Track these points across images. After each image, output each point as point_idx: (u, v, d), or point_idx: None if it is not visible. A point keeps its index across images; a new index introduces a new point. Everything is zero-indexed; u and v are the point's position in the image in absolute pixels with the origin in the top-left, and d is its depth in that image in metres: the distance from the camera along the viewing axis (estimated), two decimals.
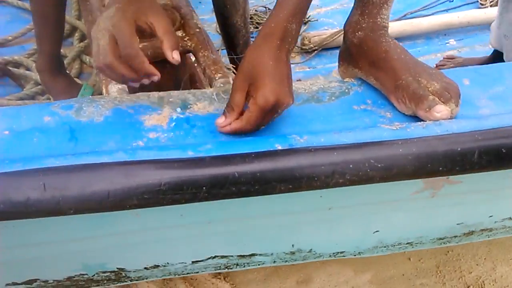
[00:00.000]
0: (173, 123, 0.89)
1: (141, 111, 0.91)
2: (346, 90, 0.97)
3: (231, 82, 1.07)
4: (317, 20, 2.11)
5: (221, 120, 0.84)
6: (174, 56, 0.83)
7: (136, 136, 0.86)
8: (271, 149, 0.77)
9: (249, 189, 0.74)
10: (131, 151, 0.78)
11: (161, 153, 0.77)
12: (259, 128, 0.83)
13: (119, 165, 0.73)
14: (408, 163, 0.77)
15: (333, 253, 1.15)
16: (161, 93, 0.95)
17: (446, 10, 2.14)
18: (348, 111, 0.92)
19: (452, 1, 2.19)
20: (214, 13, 1.48)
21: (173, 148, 0.78)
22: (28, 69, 1.77)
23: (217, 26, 1.81)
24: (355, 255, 1.18)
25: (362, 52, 0.96)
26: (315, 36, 1.95)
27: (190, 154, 0.77)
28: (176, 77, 1.29)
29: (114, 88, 1.03)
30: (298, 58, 1.99)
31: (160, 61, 1.23)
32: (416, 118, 0.89)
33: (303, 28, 2.05)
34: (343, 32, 1.02)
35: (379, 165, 0.76)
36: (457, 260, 1.58)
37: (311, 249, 1.09)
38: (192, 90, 0.96)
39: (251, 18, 2.01)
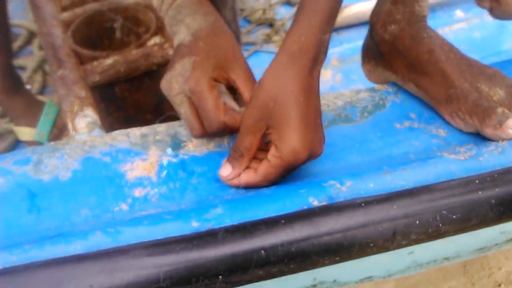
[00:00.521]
0: (165, 172, 0.67)
1: (121, 158, 0.69)
2: (381, 102, 0.76)
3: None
4: None
5: (226, 172, 0.63)
6: None
7: (117, 197, 0.64)
8: (306, 208, 0.56)
9: (282, 269, 0.54)
10: (112, 229, 0.56)
11: (154, 228, 0.56)
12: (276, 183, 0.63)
13: (98, 258, 0.52)
14: (491, 208, 0.57)
15: (360, 279, 0.96)
16: (144, 129, 0.72)
17: None
18: (389, 131, 0.71)
19: None
20: None
21: (171, 218, 0.56)
22: None
23: None
24: (384, 278, 0.99)
25: (397, 51, 0.75)
26: None
27: (195, 225, 0.56)
28: (157, 91, 1.06)
29: (83, 123, 0.81)
30: None
31: (136, 76, 1.01)
32: (478, 135, 0.69)
33: None
34: (368, 23, 0.80)
35: (454, 217, 0.56)
36: (484, 257, 1.41)
37: (335, 280, 0.89)
38: (183, 121, 0.74)
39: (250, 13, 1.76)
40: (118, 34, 1.08)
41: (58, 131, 1.26)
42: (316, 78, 0.60)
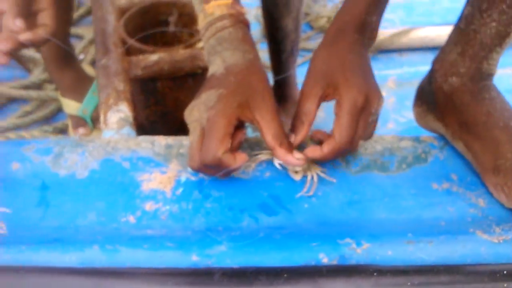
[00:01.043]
0: (181, 189, 0.65)
1: (140, 166, 0.67)
2: (423, 155, 0.71)
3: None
4: None
5: (291, 137, 0.64)
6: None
7: (127, 207, 0.62)
8: (314, 264, 0.52)
9: None
10: (110, 246, 0.54)
11: (153, 254, 0.53)
12: (356, 145, 0.65)
13: (89, 277, 0.50)
14: None
15: None
16: (170, 140, 0.70)
17: None
18: (425, 190, 0.66)
19: None
20: None
21: (172, 247, 0.54)
22: (39, 51, 1.54)
23: (259, 14, 1.53)
24: None
25: (452, 106, 0.69)
26: None
27: (194, 259, 0.53)
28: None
29: (115, 118, 0.79)
30: None
31: (180, 76, 0.99)
32: None
33: None
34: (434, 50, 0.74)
35: None
36: None
37: None
38: None
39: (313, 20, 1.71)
40: (171, 28, 1.06)
41: (98, 115, 1.26)
42: (365, 48, 0.66)
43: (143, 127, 1.11)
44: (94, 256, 0.53)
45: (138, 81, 0.98)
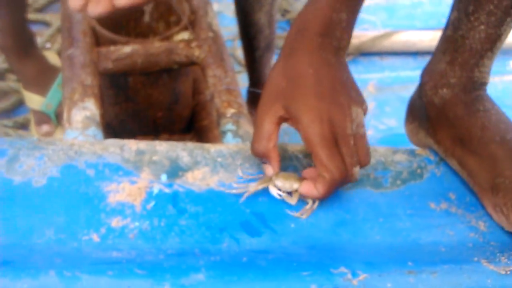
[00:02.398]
0: (152, 203, 0.57)
1: (107, 174, 0.59)
2: (419, 171, 0.65)
3: (249, 122, 0.75)
4: None
5: (268, 170, 0.57)
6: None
7: (91, 223, 0.54)
8: None
9: None
10: (69, 272, 0.46)
11: (118, 283, 0.46)
12: (352, 173, 0.54)
13: None
14: None
15: None
16: (142, 145, 0.62)
17: None
18: (422, 210, 0.61)
19: None
20: None
21: (141, 274, 0.46)
22: None
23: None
24: None
25: (445, 119, 0.64)
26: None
27: None
28: (174, 89, 0.97)
29: (80, 116, 0.71)
30: None
31: (154, 71, 0.91)
32: None
33: None
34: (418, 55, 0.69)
35: None
36: None
37: None
38: (189, 144, 0.64)
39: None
40: (146, 18, 0.98)
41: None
42: (331, 53, 0.55)
43: (112, 126, 1.03)
44: (50, 284, 0.45)
45: (108, 75, 0.90)
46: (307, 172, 0.58)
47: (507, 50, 1.70)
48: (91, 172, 0.59)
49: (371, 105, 1.48)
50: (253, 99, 1.16)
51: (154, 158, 0.61)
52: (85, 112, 0.72)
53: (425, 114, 0.67)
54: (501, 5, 0.57)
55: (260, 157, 0.56)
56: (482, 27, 0.59)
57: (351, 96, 0.55)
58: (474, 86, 0.63)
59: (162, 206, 0.57)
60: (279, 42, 1.29)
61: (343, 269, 0.49)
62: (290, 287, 0.46)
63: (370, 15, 1.77)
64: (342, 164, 0.52)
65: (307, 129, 0.52)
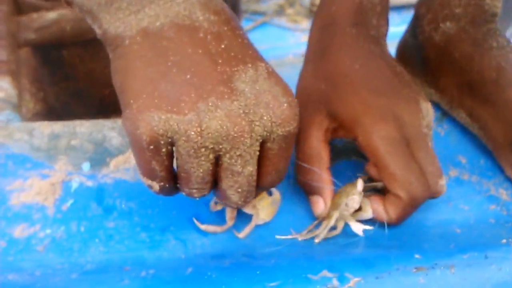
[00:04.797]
0: (69, 202, 0.43)
1: (10, 168, 0.45)
2: None
3: None
4: None
5: (319, 208, 0.42)
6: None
7: None
8: None
9: None
10: None
11: None
12: (436, 185, 0.40)
13: None
14: None
15: None
16: (57, 127, 0.48)
17: None
18: None
19: None
20: None
21: None
22: None
23: None
24: None
25: (449, 61, 0.51)
26: None
27: None
28: None
29: None
30: (306, 23, 1.47)
31: (86, 41, 0.76)
32: None
33: None
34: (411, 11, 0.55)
35: None
36: None
37: None
38: (120, 121, 0.50)
39: None
40: None
41: None
42: (373, 43, 0.44)
43: (55, 109, 0.88)
44: None
45: (39, 50, 0.75)
46: (373, 199, 0.42)
47: None
48: None
49: None
50: None
51: (73, 142, 0.47)
52: None
53: (421, 57, 0.54)
54: None
55: (310, 191, 0.42)
56: None
57: (413, 89, 0.43)
58: (485, 16, 0.50)
59: (83, 205, 0.43)
60: (245, 6, 1.15)
61: (325, 273, 0.35)
62: None
63: None
64: (422, 176, 0.39)
65: (369, 134, 0.40)
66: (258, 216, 0.41)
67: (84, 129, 0.48)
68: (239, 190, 0.33)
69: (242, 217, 0.42)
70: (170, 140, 0.31)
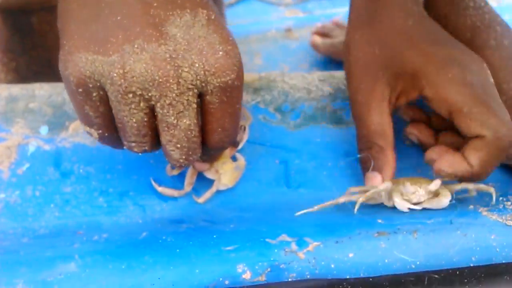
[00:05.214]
0: (25, 166, 0.41)
1: None
2: None
3: None
4: None
5: (377, 181, 0.39)
6: None
7: None
8: (228, 285, 0.31)
9: None
10: None
11: None
12: None
13: None
14: None
15: None
16: (15, 89, 0.46)
17: None
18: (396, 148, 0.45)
19: None
20: None
21: None
22: None
23: None
24: None
25: None
26: None
27: None
28: None
29: None
30: None
31: (55, 6, 0.73)
32: None
33: None
34: None
35: None
36: None
37: None
38: None
39: None
40: None
41: None
42: (419, 5, 0.43)
43: (27, 80, 0.85)
44: None
45: (9, 16, 0.72)
46: (433, 153, 0.41)
47: None
48: None
49: None
50: None
51: (32, 105, 0.45)
52: None
53: None
54: None
55: (369, 168, 0.40)
56: None
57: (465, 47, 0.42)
58: None
59: (39, 169, 0.41)
60: None
61: (284, 237, 0.34)
62: (205, 271, 0.31)
63: None
64: (506, 115, 0.37)
65: (436, 80, 0.38)
66: (220, 181, 0.40)
67: (43, 92, 0.46)
68: (178, 145, 0.31)
69: (205, 182, 0.41)
70: (99, 84, 0.30)
